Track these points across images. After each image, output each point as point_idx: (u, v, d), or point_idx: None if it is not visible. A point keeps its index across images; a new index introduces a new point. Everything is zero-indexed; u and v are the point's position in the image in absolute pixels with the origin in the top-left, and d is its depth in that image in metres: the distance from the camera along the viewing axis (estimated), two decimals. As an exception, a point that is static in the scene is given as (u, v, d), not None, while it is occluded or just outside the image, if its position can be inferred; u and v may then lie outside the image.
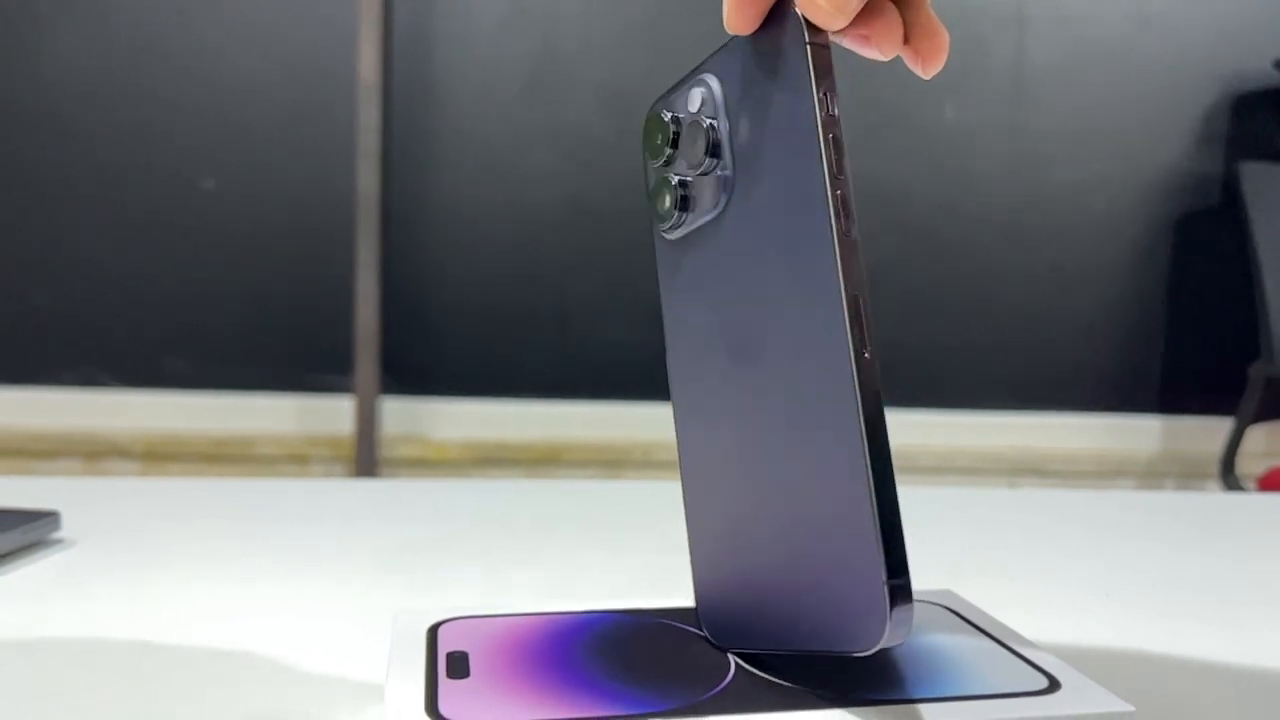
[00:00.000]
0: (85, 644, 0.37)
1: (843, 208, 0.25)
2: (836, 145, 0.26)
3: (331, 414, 1.68)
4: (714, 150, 0.29)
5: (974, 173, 1.73)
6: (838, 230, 0.25)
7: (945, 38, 0.29)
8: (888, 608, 0.24)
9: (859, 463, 0.25)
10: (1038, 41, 1.71)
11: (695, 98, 0.29)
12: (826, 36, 0.26)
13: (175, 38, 1.63)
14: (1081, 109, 1.72)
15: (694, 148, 0.29)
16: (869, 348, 0.25)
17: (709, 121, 0.29)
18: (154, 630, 0.38)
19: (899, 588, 0.25)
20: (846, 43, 0.29)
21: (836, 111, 0.26)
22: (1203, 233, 1.76)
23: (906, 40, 0.29)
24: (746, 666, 0.29)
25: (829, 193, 0.25)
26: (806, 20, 0.26)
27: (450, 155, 1.68)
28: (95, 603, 0.41)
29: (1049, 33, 1.71)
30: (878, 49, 0.28)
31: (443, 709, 0.26)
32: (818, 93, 0.26)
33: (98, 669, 0.34)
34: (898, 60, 0.30)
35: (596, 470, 1.68)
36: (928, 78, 0.30)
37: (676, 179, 0.30)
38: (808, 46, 0.26)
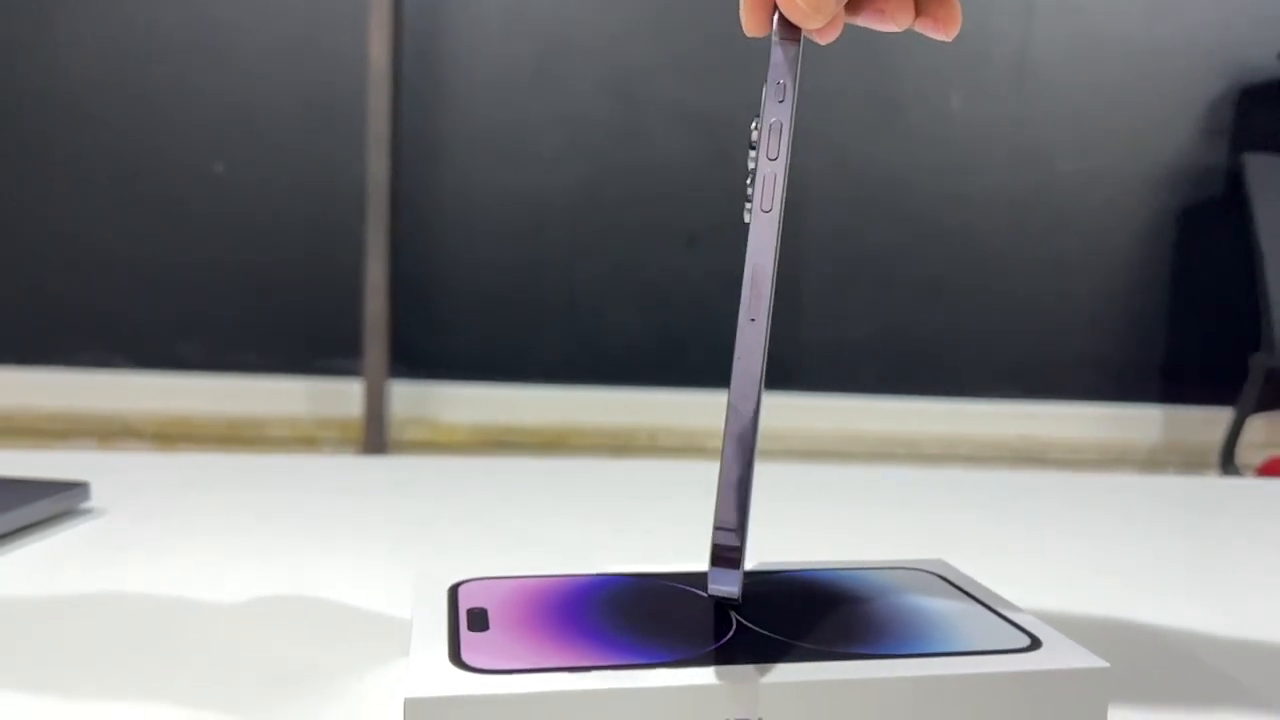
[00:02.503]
0: (119, 606, 0.39)
1: (765, 186, 0.28)
2: (776, 131, 0.28)
3: (341, 397, 1.70)
4: (753, 145, 0.32)
5: (979, 162, 1.74)
6: (756, 205, 0.28)
7: (957, 2, 0.32)
8: (710, 555, 0.27)
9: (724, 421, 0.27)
10: (1044, 33, 1.72)
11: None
12: (799, 33, 0.29)
13: (188, 24, 1.65)
14: (1087, 100, 1.73)
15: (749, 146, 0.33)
16: (755, 316, 0.27)
17: (754, 120, 0.32)
18: (185, 594, 0.40)
19: (723, 534, 0.27)
20: (861, 20, 0.31)
21: (785, 99, 0.29)
22: (1206, 224, 1.77)
23: (922, 12, 0.31)
24: (747, 624, 0.31)
25: (758, 171, 0.28)
26: (783, 18, 0.29)
27: (459, 142, 1.70)
28: (127, 568, 0.43)
29: (1055, 24, 1.72)
30: (893, 21, 0.31)
31: (465, 657, 0.28)
32: (771, 83, 0.29)
33: (132, 630, 0.36)
34: (904, 50, 0.32)
35: (603, 454, 1.70)
36: (950, 39, 0.32)
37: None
38: (777, 43, 0.29)
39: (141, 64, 1.65)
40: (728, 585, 0.27)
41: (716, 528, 0.27)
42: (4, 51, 1.64)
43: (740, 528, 0.27)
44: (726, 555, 0.27)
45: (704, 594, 0.33)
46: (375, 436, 1.67)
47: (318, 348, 1.71)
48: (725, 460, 0.27)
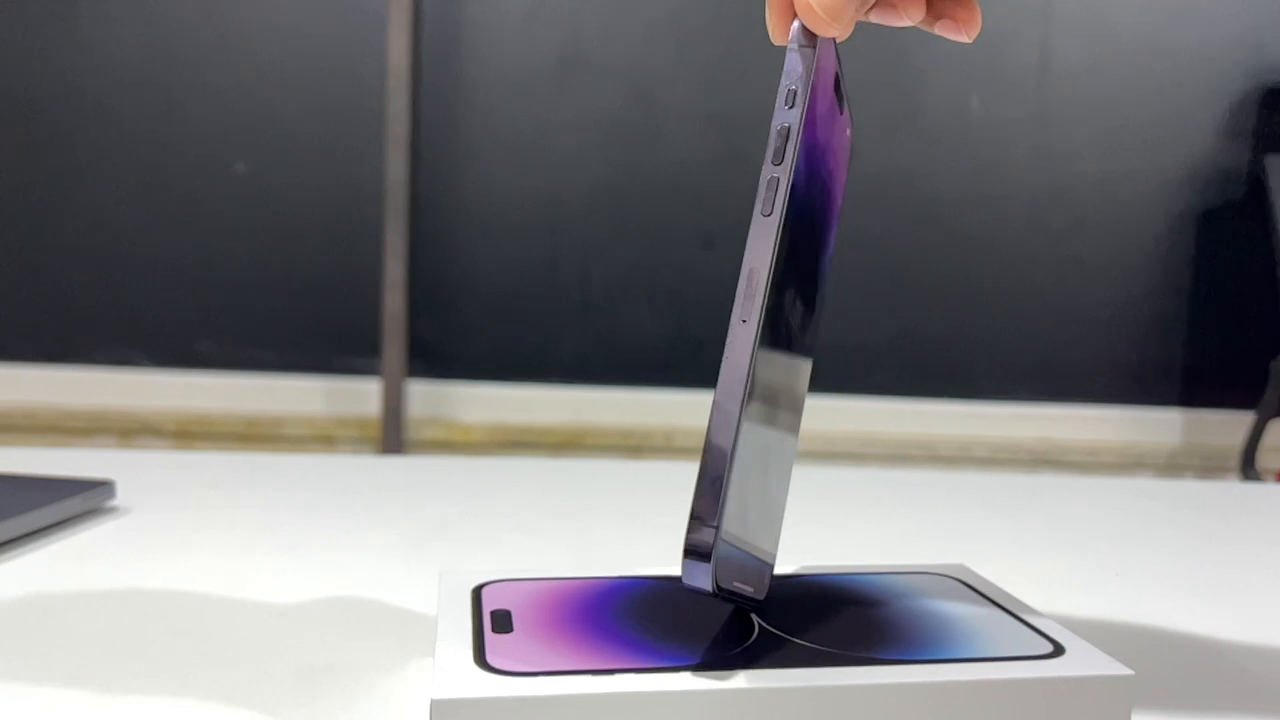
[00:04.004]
0: (147, 602, 0.39)
1: (767, 191, 0.28)
2: (783, 136, 0.28)
3: (359, 396, 1.71)
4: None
5: (999, 164, 1.73)
6: (758, 209, 0.28)
7: (977, 4, 0.32)
8: (683, 549, 0.27)
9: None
10: (1064, 34, 1.71)
11: None
12: (814, 39, 0.29)
13: (210, 24, 1.66)
14: (1107, 102, 1.73)
15: None
16: (746, 318, 0.28)
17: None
18: (210, 591, 0.41)
19: (695, 527, 0.27)
20: (874, 17, 0.31)
21: (795, 107, 0.29)
22: (1227, 226, 1.76)
23: (942, 15, 0.31)
24: (769, 628, 0.31)
25: (761, 175, 0.28)
26: (802, 26, 0.29)
27: (478, 143, 1.70)
28: (152, 566, 0.44)
29: (1075, 26, 1.71)
30: (905, 14, 0.31)
31: (490, 659, 0.28)
32: (783, 89, 0.29)
33: (160, 626, 0.37)
34: (924, 50, 0.32)
35: (618, 455, 1.70)
36: (971, 40, 0.32)
37: None
38: (793, 50, 0.29)
39: (162, 64, 1.66)
40: (699, 579, 0.27)
41: (691, 519, 0.27)
42: (27, 51, 1.66)
43: (715, 523, 0.27)
44: (698, 550, 0.27)
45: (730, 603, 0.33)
46: (393, 435, 1.68)
47: (336, 347, 1.72)
48: (706, 456, 0.28)
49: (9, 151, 1.68)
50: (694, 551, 0.27)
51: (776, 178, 0.28)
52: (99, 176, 1.68)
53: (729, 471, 0.27)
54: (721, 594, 0.28)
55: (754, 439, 0.29)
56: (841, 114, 0.33)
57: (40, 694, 0.31)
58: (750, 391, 0.28)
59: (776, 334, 0.29)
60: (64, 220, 1.69)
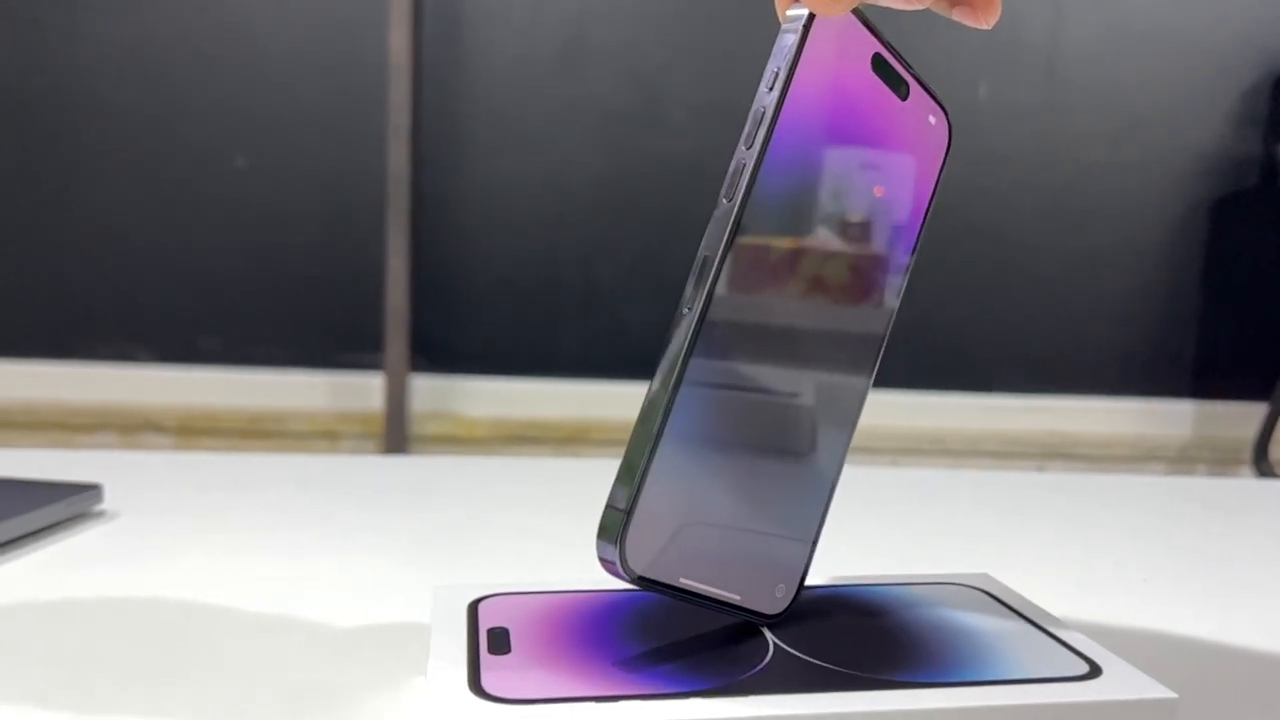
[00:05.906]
0: (130, 613, 0.37)
1: (732, 174, 0.27)
2: (756, 120, 0.27)
3: (362, 391, 1.69)
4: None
5: (1007, 153, 1.71)
6: (721, 195, 0.27)
7: None
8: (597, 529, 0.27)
9: None
10: (1074, 20, 1.68)
11: None
12: (810, 19, 0.27)
13: (209, 16, 1.64)
14: (1117, 89, 1.70)
15: None
16: (690, 307, 0.27)
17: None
18: (197, 601, 0.39)
19: (606, 511, 0.26)
20: (883, 1, 0.29)
21: (774, 89, 0.27)
22: (1240, 215, 1.73)
23: (958, 1, 0.29)
24: (784, 647, 0.29)
25: (733, 158, 0.27)
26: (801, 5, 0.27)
27: (480, 135, 1.68)
28: (139, 573, 0.42)
29: (1085, 12, 1.68)
30: None
31: (485, 685, 0.26)
32: (768, 70, 0.27)
33: (142, 638, 0.35)
34: (930, 36, 0.30)
35: (624, 449, 1.68)
36: (989, 28, 0.30)
37: None
38: (786, 30, 0.27)
39: (162, 57, 1.64)
40: (610, 564, 0.26)
41: (606, 506, 0.27)
42: (25, 44, 1.64)
43: (625, 507, 0.26)
44: (605, 531, 0.26)
45: (731, 615, 0.32)
46: (396, 430, 1.66)
47: (339, 342, 1.70)
48: (630, 441, 0.27)
49: (7, 146, 1.66)
50: (602, 531, 0.26)
51: (744, 163, 0.26)
52: (99, 170, 1.66)
53: (649, 458, 0.26)
54: (655, 586, 0.27)
55: (708, 430, 0.28)
56: (905, 99, 0.31)
57: (3, 712, 0.29)
58: (679, 380, 0.27)
59: (750, 327, 0.28)
60: (65, 215, 1.67)
